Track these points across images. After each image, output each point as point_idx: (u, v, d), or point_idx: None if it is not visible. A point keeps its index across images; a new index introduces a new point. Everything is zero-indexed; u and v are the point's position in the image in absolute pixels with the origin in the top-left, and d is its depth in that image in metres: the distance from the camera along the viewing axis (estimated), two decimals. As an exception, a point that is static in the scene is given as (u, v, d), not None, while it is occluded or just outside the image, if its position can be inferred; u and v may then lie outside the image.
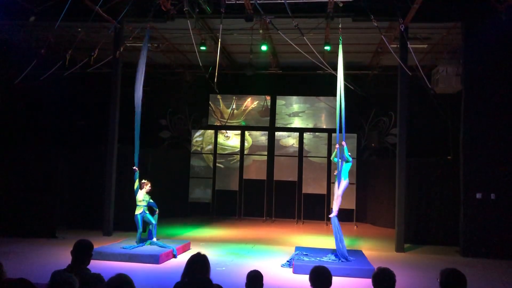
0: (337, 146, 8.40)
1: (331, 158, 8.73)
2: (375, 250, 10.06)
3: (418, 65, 9.08)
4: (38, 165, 10.72)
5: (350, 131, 14.74)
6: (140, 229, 8.91)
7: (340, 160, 8.38)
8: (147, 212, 9.04)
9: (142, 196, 9.00)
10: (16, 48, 11.31)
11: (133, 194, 9.03)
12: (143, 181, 9.11)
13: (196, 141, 15.94)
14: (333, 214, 8.39)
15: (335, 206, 8.40)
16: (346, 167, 8.40)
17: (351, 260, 8.03)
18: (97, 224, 10.81)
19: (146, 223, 9.13)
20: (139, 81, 9.25)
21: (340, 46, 8.98)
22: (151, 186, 9.19)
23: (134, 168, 9.06)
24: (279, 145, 15.49)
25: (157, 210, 9.29)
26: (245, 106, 15.90)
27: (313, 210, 14.77)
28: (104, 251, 8.21)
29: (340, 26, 9.36)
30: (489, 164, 9.84)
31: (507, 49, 9.83)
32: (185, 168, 15.62)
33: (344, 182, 8.35)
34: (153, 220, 9.09)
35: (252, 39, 11.63)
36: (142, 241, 8.94)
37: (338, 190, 8.37)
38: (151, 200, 9.17)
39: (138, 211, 8.96)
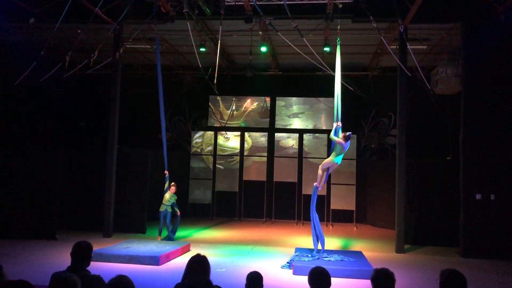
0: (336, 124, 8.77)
1: (330, 137, 8.92)
2: (375, 251, 10.06)
3: (418, 66, 9.09)
4: (38, 167, 10.71)
5: (350, 132, 14.76)
6: (161, 224, 10.34)
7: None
8: (169, 211, 10.37)
9: (168, 196, 10.34)
10: (15, 50, 11.30)
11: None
12: (172, 183, 10.37)
13: (196, 142, 15.95)
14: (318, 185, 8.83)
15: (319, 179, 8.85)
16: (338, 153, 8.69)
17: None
18: (97, 225, 10.80)
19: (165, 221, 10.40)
20: (160, 89, 10.25)
21: (338, 47, 8.99)
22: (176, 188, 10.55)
23: (165, 172, 10.23)
24: (279, 146, 15.49)
25: (179, 211, 10.51)
26: (244, 107, 15.90)
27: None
28: (104, 252, 8.22)
29: (338, 27, 9.38)
30: (489, 165, 9.84)
31: (506, 49, 9.83)
32: (185, 169, 15.61)
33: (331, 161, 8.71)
34: (169, 224, 10.42)
35: (251, 41, 11.63)
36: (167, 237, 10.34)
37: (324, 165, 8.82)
38: (175, 202, 10.47)
39: (161, 209, 10.33)
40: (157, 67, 10.06)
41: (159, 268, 7.88)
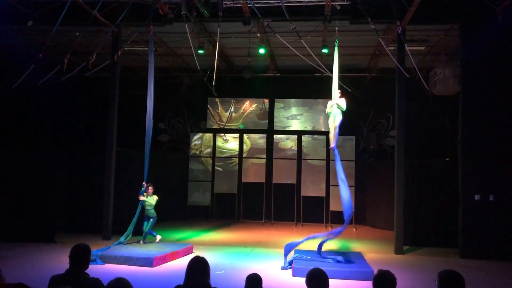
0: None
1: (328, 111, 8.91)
2: (374, 252, 10.05)
3: (416, 67, 9.11)
4: (37, 169, 10.68)
5: (349, 133, 14.79)
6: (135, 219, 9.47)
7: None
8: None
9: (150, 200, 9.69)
10: (14, 53, 11.30)
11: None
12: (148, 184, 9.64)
13: (195, 144, 15.94)
14: (332, 145, 8.62)
15: (332, 138, 8.66)
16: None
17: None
18: (96, 228, 10.77)
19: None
20: (150, 92, 9.47)
21: (336, 48, 9.01)
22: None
23: (143, 183, 9.53)
24: (278, 148, 15.49)
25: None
26: (243, 109, 15.91)
27: (312, 213, 14.77)
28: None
29: (336, 28, 9.39)
30: (487, 166, 9.84)
31: (504, 50, 9.85)
32: (184, 172, 15.61)
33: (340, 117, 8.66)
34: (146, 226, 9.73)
35: (250, 43, 11.64)
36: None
37: (335, 122, 8.64)
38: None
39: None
40: (149, 72, 9.52)
41: (153, 270, 7.84)
